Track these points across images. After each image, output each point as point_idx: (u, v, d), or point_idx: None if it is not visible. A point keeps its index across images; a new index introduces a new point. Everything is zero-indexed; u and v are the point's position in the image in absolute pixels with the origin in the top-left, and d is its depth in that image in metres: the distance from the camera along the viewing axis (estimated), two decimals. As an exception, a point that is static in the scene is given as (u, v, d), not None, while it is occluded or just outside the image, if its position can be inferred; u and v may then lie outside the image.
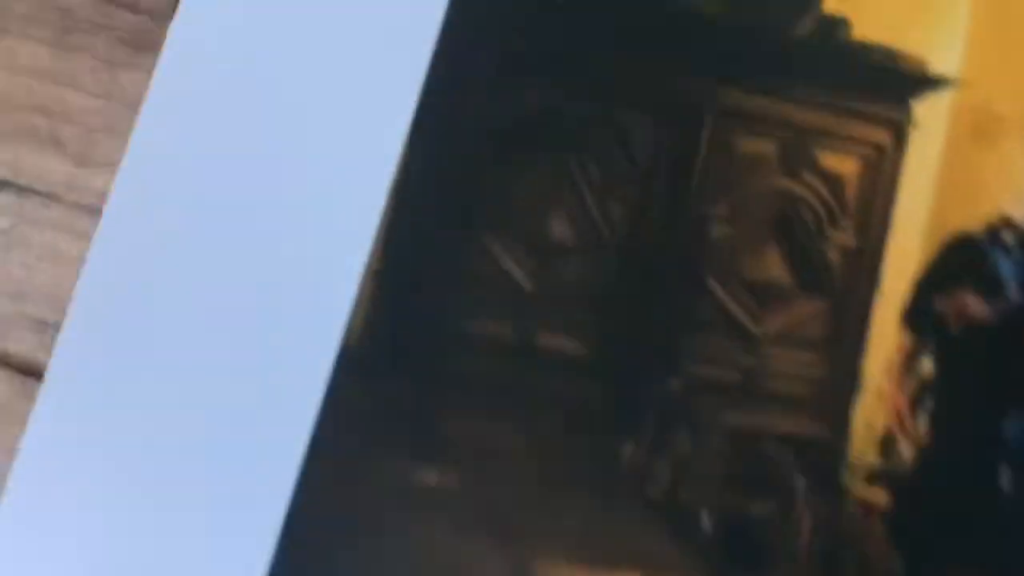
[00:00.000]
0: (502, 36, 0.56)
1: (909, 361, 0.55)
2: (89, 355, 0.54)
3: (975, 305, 0.54)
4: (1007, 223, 0.54)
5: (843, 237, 0.57)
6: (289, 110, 0.55)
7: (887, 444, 0.54)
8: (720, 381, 0.56)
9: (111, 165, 0.57)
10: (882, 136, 0.58)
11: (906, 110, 0.58)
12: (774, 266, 0.57)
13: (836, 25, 0.58)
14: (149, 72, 0.57)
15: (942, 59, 0.58)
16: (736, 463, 0.54)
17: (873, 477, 0.54)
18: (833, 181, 0.58)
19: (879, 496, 0.53)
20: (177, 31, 0.56)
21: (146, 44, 0.60)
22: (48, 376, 0.53)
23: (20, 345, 0.57)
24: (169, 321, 0.54)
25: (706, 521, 0.54)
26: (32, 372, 0.57)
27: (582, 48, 0.57)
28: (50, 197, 0.59)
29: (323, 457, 0.52)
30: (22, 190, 0.59)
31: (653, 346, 0.56)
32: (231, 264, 0.54)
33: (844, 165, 0.58)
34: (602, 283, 0.57)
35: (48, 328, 0.57)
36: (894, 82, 0.58)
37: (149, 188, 0.54)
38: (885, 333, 0.55)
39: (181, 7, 0.56)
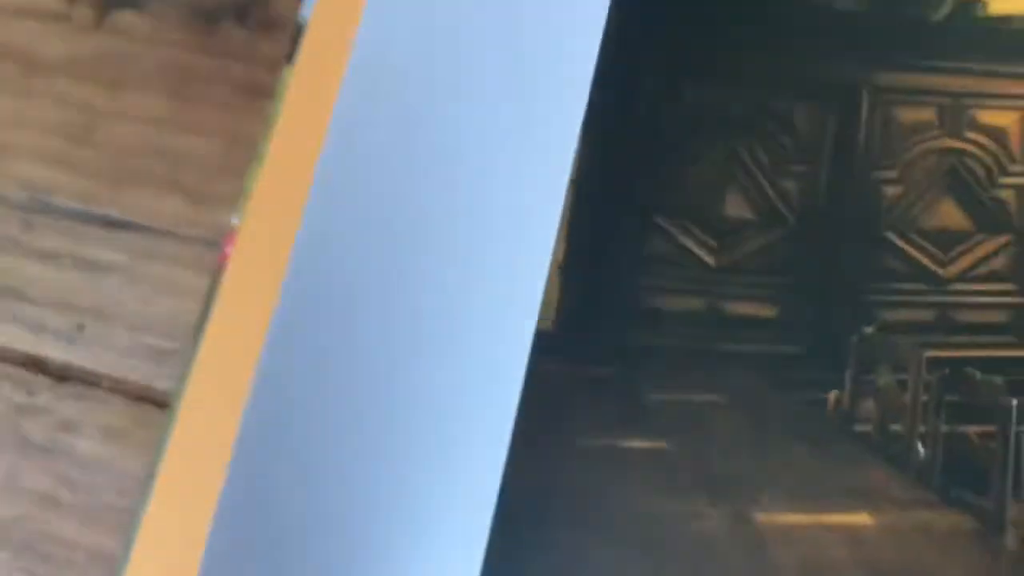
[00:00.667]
0: (663, 40, 0.63)
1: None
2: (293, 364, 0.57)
3: None
4: None
5: (1015, 179, 0.60)
6: (474, 123, 0.61)
7: (1098, 355, 0.54)
8: (914, 321, 0.58)
9: (229, 200, 0.58)
10: (1036, 88, 0.61)
11: (1053, 63, 0.62)
12: (950, 214, 0.60)
13: (972, 6, 0.63)
14: (265, 116, 0.57)
15: (1085, 16, 0.62)
16: (943, 392, 0.55)
17: (1090, 389, 0.53)
18: (996, 134, 0.61)
19: (1100, 407, 0.52)
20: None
21: (262, 92, 0.62)
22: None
23: (137, 373, 0.60)
24: (379, 318, 0.57)
25: (921, 449, 0.54)
26: (150, 399, 0.58)
27: (740, 47, 0.63)
28: (167, 235, 0.62)
29: (529, 431, 0.54)
30: (141, 228, 0.62)
31: (842, 300, 0.59)
32: (432, 264, 0.58)
33: (1003, 118, 0.61)
34: (783, 250, 0.60)
35: (167, 356, 0.59)
36: (1038, 42, 0.62)
37: (343, 192, 0.60)
38: (1077, 256, 0.56)
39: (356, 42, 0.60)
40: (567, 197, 0.59)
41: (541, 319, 0.57)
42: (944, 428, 0.54)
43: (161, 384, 0.59)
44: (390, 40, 0.63)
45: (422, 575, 0.52)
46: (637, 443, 0.57)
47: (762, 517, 0.53)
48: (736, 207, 0.62)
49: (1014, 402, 0.53)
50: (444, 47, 0.62)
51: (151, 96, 0.65)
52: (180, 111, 0.64)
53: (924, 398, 0.55)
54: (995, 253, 0.59)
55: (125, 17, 0.67)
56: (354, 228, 0.59)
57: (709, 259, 0.61)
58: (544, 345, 0.56)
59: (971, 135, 0.61)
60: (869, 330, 0.57)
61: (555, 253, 0.58)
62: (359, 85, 0.61)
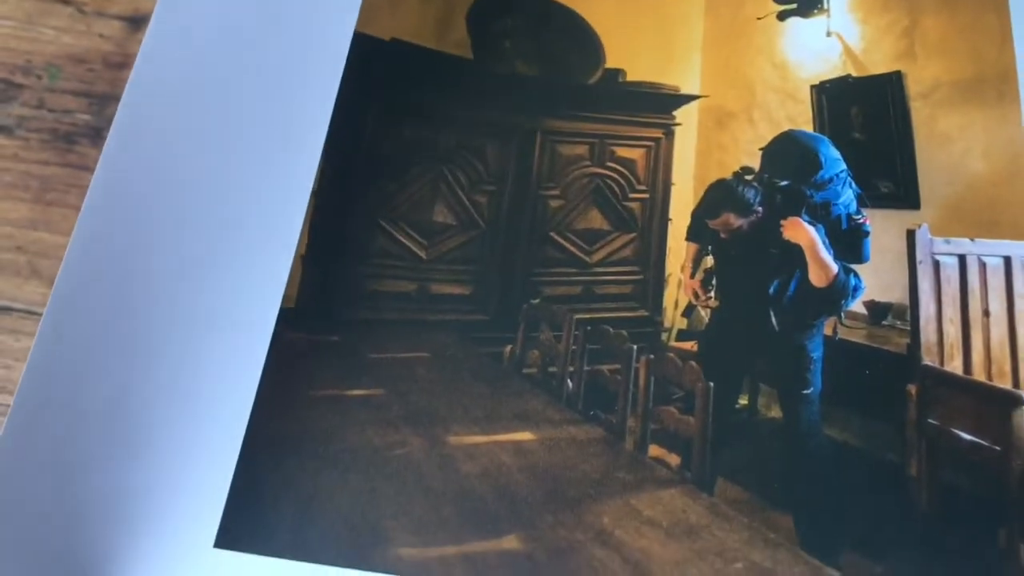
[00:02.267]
0: (388, 89, 0.78)
1: (696, 259, 0.74)
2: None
3: (734, 220, 0.73)
4: (746, 169, 0.75)
5: (639, 195, 0.79)
6: (240, 143, 0.72)
7: (689, 312, 0.72)
8: (567, 294, 0.74)
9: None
10: (657, 133, 0.82)
11: (671, 117, 0.82)
12: (595, 219, 0.78)
13: (616, 74, 0.82)
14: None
15: (689, 85, 0.83)
16: (587, 342, 0.71)
17: (682, 335, 0.71)
18: (627, 164, 0.80)
19: (688, 346, 0.70)
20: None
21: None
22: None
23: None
24: (155, 296, 0.66)
25: (569, 383, 0.69)
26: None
27: (447, 98, 0.79)
28: (29, 314, 0.69)
29: (272, 387, 0.64)
30: (6, 309, 0.68)
31: (517, 281, 0.75)
32: (199, 252, 0.68)
33: (633, 153, 0.81)
34: (476, 246, 0.76)
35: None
36: (660, 102, 0.82)
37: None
38: (678, 247, 0.75)
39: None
40: (310, 204, 0.70)
41: (285, 299, 0.67)
42: (586, 367, 0.70)
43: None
44: (164, 78, 0.73)
45: (183, 495, 0.60)
46: (359, 392, 0.68)
47: (452, 440, 0.66)
48: (442, 215, 0.77)
49: (634, 347, 0.70)
50: (221, 87, 0.74)
51: (15, 202, 0.72)
52: (40, 214, 0.72)
53: (573, 347, 0.71)
54: (625, 245, 0.78)
55: (-4, 140, 0.75)
56: (137, 222, 0.68)
57: (421, 253, 0.75)
58: (287, 319, 0.66)
59: (611, 164, 0.81)
60: (535, 301, 0.73)
61: (299, 246, 0.69)
62: (137, 110, 0.72)
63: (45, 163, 0.74)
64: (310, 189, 0.70)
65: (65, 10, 0.81)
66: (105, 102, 0.76)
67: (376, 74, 0.77)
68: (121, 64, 0.78)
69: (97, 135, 0.75)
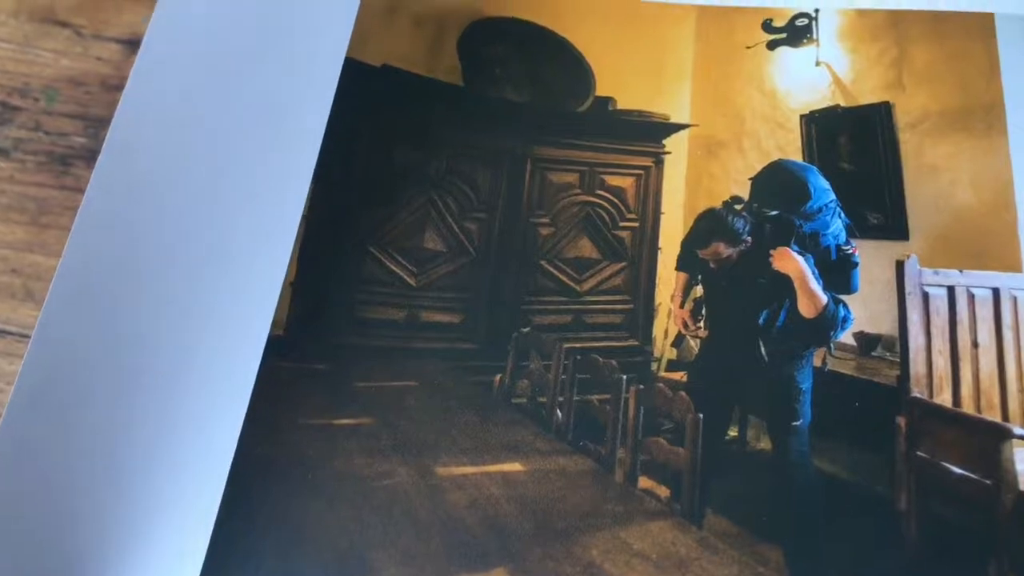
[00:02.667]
0: (379, 114, 0.78)
1: (686, 289, 0.74)
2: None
3: (724, 250, 0.72)
4: (735, 199, 0.75)
5: (629, 224, 0.78)
6: (230, 168, 0.70)
7: (679, 342, 0.71)
8: (557, 323, 0.73)
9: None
10: (646, 162, 0.81)
11: (660, 145, 0.81)
12: (585, 248, 0.77)
13: (606, 102, 0.82)
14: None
15: (679, 113, 0.82)
16: (577, 372, 0.70)
17: (672, 365, 0.70)
18: (617, 192, 0.79)
19: (678, 376, 0.69)
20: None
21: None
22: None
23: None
24: (144, 321, 0.65)
25: (559, 413, 0.68)
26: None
27: (438, 124, 0.78)
28: (23, 337, 0.68)
29: (260, 415, 0.62)
30: (1, 332, 0.67)
31: (507, 309, 0.74)
32: (188, 279, 0.66)
33: (623, 181, 0.80)
34: (466, 274, 0.75)
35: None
36: (651, 130, 0.82)
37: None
38: (668, 276, 0.74)
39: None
40: (299, 229, 0.68)
41: (274, 326, 0.66)
42: (576, 397, 0.69)
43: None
44: (154, 103, 0.72)
45: (169, 524, 0.59)
46: (347, 420, 0.67)
47: (441, 470, 0.65)
48: (432, 241, 0.76)
49: (624, 377, 0.69)
50: (211, 112, 0.72)
51: (11, 225, 0.71)
52: (36, 236, 0.71)
53: (562, 377, 0.70)
54: (615, 274, 0.77)
55: (-9, 163, 0.75)
56: (126, 249, 0.67)
57: (411, 280, 0.74)
58: (276, 346, 0.65)
59: (601, 192, 0.80)
60: (525, 330, 0.72)
61: (287, 273, 0.67)
62: (127, 133, 0.70)
63: (41, 185, 0.74)
64: (300, 215, 0.69)
65: (63, 33, 0.80)
66: (101, 125, 0.76)
67: (367, 100, 0.76)
68: (118, 87, 0.77)
69: (93, 158, 0.74)
